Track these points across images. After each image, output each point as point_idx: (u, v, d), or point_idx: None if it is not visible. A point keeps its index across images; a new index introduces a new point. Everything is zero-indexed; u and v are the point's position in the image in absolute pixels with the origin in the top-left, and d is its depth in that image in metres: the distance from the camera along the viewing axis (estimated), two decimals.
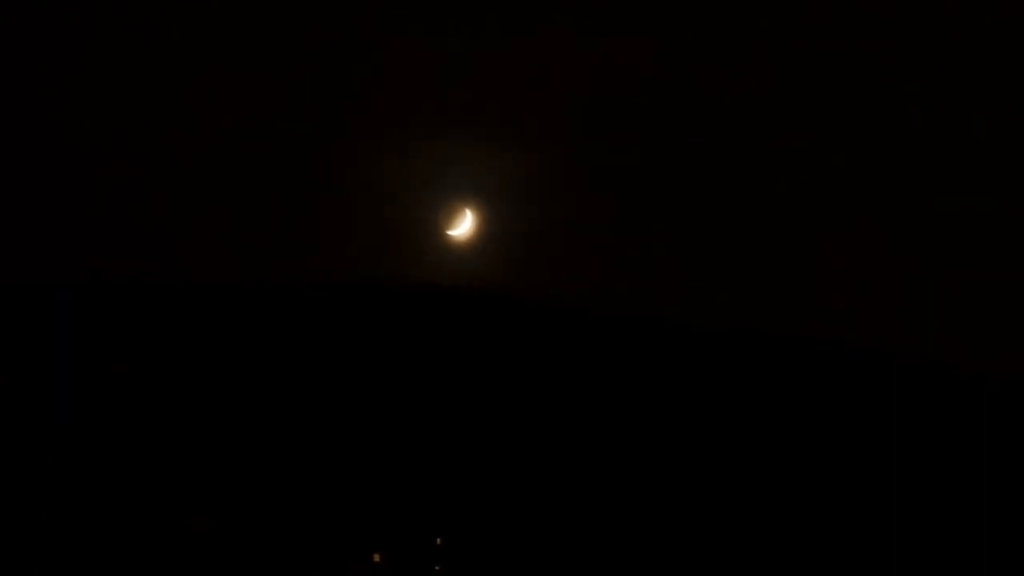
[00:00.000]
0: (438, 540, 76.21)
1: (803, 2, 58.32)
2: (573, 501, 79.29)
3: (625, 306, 79.58)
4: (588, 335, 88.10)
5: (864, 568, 76.49)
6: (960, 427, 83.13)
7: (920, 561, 77.87)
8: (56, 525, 66.12)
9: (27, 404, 69.96)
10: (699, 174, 71.26)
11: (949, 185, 71.55)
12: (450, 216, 76.32)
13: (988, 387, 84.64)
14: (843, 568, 77.43)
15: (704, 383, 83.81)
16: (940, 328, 76.76)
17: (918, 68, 60.38)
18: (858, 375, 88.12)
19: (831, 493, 79.48)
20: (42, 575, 64.44)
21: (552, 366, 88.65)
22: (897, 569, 77.76)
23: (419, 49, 61.58)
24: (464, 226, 76.58)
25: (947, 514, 76.21)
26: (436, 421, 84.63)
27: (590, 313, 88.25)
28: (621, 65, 61.58)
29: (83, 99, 62.16)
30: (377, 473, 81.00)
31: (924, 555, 79.32)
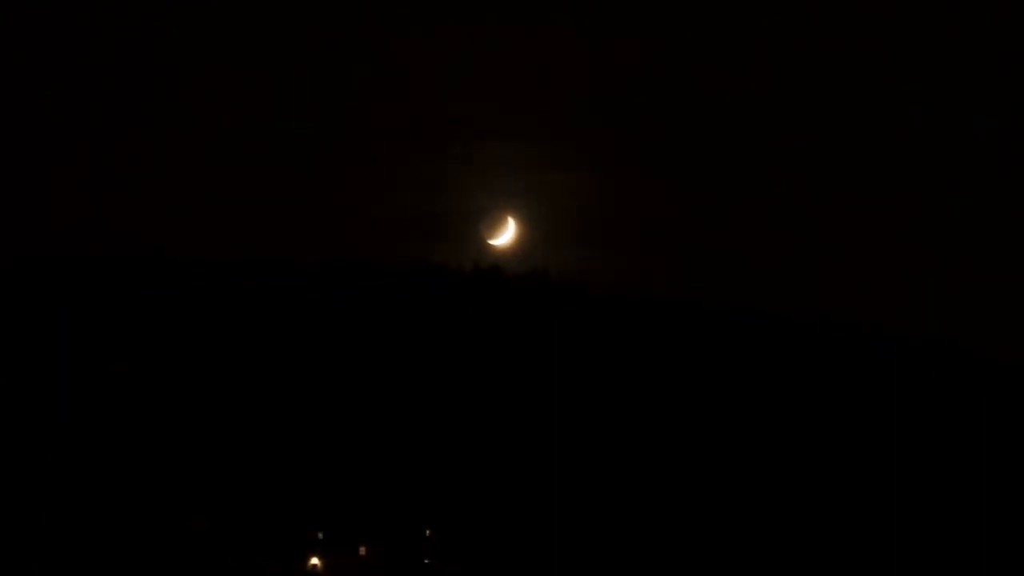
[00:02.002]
0: (428, 532, 75.41)
1: (803, 2, 57.79)
2: (570, 500, 77.82)
3: (640, 296, 78.31)
4: (598, 329, 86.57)
5: (870, 550, 75.43)
6: (963, 411, 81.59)
7: (922, 548, 76.65)
8: (56, 525, 65.33)
9: (27, 404, 69.29)
10: (704, 174, 70.43)
11: (948, 182, 70.62)
12: (492, 225, 74.63)
13: (990, 373, 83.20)
14: (849, 549, 76.10)
15: (707, 376, 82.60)
16: (939, 319, 75.82)
17: (918, 68, 59.82)
18: (861, 362, 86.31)
19: (838, 484, 78.03)
20: (42, 575, 63.64)
21: (555, 363, 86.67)
22: (901, 550, 76.57)
23: (419, 49, 61.02)
24: (506, 234, 74.90)
25: (950, 496, 74.94)
26: (437, 419, 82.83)
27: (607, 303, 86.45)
28: (621, 65, 61.10)
29: (83, 99, 61.54)
30: (373, 470, 79.48)
31: (924, 541, 78.06)
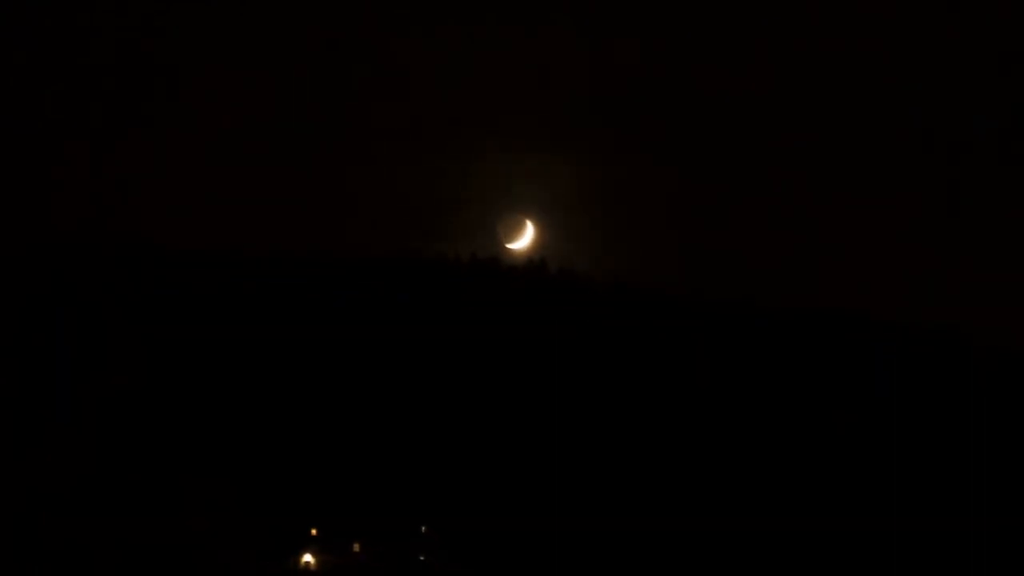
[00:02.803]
0: (423, 529, 75.62)
1: (803, 2, 57.75)
2: (570, 499, 77.78)
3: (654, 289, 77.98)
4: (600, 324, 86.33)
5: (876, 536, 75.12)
6: (964, 410, 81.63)
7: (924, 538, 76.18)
8: (56, 525, 65.28)
9: (27, 404, 69.17)
10: (704, 174, 70.31)
11: (948, 182, 70.47)
12: (510, 229, 74.43)
13: (991, 372, 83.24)
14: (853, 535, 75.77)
15: (707, 374, 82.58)
16: (939, 319, 75.71)
17: (918, 68, 59.77)
18: (861, 360, 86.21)
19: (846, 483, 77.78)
20: (42, 575, 63.53)
21: (556, 363, 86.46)
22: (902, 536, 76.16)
23: (419, 49, 61.00)
24: (525, 239, 74.74)
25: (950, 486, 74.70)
26: (435, 418, 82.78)
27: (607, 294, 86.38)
28: (621, 65, 61.05)
29: (83, 100, 61.41)
30: (371, 468, 79.42)
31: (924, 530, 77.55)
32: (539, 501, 79.97)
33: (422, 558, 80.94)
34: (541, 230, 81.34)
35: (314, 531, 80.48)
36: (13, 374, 75.29)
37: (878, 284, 76.84)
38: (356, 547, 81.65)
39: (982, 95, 68.00)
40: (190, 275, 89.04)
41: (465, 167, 74.89)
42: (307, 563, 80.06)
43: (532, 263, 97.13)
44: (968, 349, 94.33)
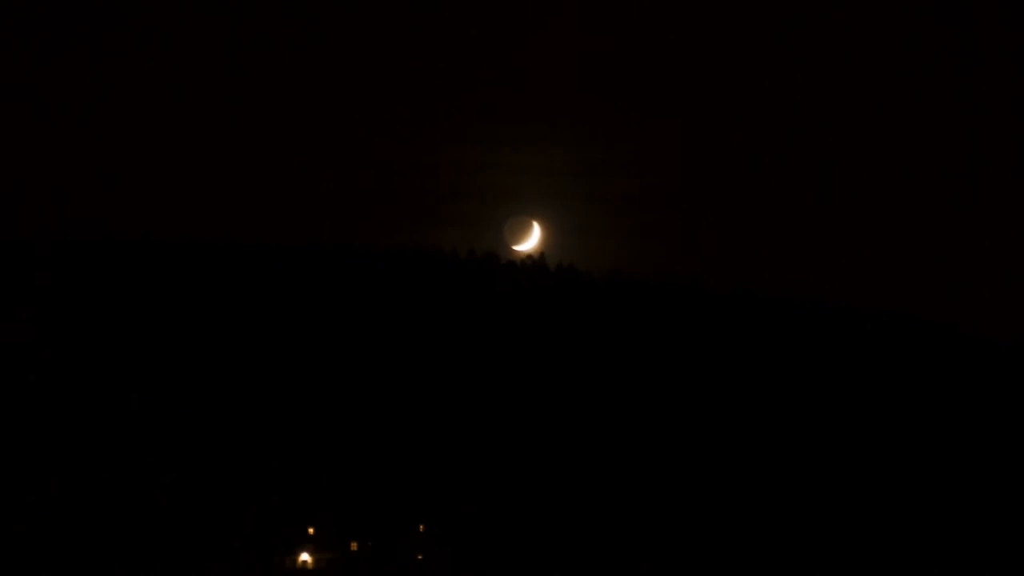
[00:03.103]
0: (421, 528, 75.80)
1: (803, 2, 57.97)
2: (571, 499, 77.99)
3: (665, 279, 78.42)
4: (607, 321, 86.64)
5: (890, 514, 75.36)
6: (965, 399, 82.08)
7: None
8: (55, 525, 65.37)
9: (29, 402, 68.98)
10: (703, 173, 70.76)
11: (948, 182, 70.88)
12: (516, 231, 75.12)
13: (992, 366, 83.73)
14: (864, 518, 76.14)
15: (708, 370, 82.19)
16: (939, 316, 75.90)
17: (917, 68, 60.01)
18: (861, 353, 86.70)
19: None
20: (41, 574, 63.55)
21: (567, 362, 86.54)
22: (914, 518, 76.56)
23: (419, 49, 61.32)
24: (531, 241, 75.38)
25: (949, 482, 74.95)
26: (435, 416, 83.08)
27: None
28: (620, 64, 61.19)
29: (85, 100, 61.55)
30: (368, 467, 79.53)
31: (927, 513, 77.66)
32: (539, 501, 79.88)
33: (420, 557, 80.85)
34: (543, 228, 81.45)
35: (311, 530, 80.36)
36: (17, 373, 75.31)
37: (879, 283, 76.85)
38: (353, 546, 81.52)
39: (980, 94, 68.13)
40: (190, 268, 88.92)
41: (466, 164, 74.76)
42: (304, 562, 79.90)
43: (532, 259, 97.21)
44: (968, 345, 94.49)
